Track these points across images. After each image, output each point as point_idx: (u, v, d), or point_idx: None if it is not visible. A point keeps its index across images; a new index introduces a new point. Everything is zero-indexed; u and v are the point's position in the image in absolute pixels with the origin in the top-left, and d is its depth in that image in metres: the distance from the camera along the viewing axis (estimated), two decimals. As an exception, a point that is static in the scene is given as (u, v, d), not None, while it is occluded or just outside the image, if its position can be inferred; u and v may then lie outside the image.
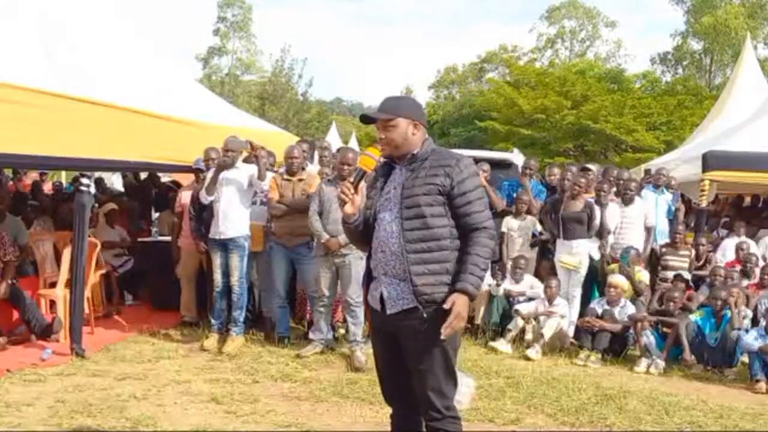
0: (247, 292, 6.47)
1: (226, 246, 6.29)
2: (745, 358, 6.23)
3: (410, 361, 3.02)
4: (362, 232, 3.16)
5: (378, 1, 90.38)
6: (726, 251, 8.48)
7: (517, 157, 9.73)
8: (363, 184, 3.10)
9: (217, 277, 6.38)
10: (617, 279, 6.88)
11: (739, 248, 8.16)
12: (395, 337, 3.06)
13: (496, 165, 8.85)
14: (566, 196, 7.20)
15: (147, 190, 10.83)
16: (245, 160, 6.53)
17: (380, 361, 3.22)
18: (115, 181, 14.49)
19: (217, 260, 6.36)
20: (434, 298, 2.92)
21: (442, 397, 3.00)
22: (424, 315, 2.92)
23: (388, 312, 3.04)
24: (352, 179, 3.11)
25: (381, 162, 3.15)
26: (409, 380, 3.06)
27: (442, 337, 2.85)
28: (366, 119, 3.11)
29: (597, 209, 7.15)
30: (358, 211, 3.10)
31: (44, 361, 5.69)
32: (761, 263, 7.87)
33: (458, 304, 2.87)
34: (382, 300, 3.06)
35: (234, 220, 6.29)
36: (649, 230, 7.85)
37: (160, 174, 11.13)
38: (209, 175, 6.41)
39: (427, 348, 2.96)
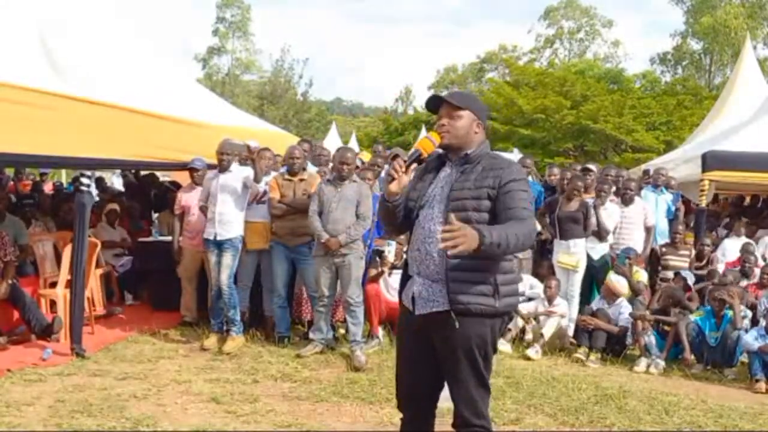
0: (238, 292, 6.46)
1: (221, 245, 6.33)
2: (745, 358, 6.23)
3: (441, 365, 2.96)
4: (400, 220, 3.04)
5: (378, 1, 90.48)
6: (726, 251, 8.48)
7: (516, 157, 9.75)
8: (415, 166, 3.00)
9: (214, 275, 6.41)
10: (614, 279, 6.89)
11: (744, 249, 8.12)
12: (423, 340, 2.97)
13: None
14: (562, 197, 7.21)
15: (147, 190, 10.83)
16: (242, 162, 6.56)
17: (400, 364, 3.13)
18: (115, 182, 14.51)
19: (212, 259, 6.39)
20: (469, 309, 2.82)
21: (471, 405, 2.90)
22: (456, 325, 2.83)
23: (416, 312, 2.96)
24: (406, 158, 3.01)
25: (437, 151, 3.04)
26: (426, 387, 3.01)
27: (440, 242, 2.65)
28: (434, 100, 3.00)
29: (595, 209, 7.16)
30: (401, 191, 2.99)
31: (44, 360, 5.69)
32: (761, 263, 7.87)
33: (469, 230, 2.61)
34: (413, 299, 2.98)
35: (229, 222, 6.32)
36: (649, 230, 7.86)
37: (158, 174, 11.14)
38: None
39: (454, 355, 2.89)
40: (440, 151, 3.06)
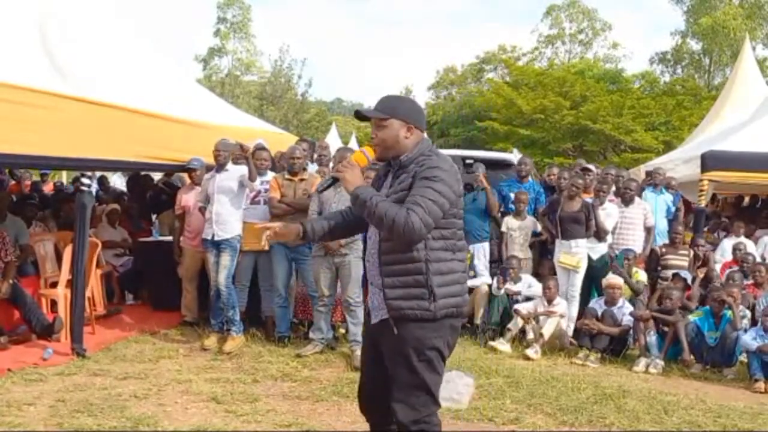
0: (237, 292, 6.47)
1: (218, 245, 6.34)
2: (744, 358, 6.24)
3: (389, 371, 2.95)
4: (341, 231, 3.35)
5: (378, 2, 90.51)
6: (725, 251, 8.49)
7: (516, 158, 9.76)
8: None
9: (213, 276, 6.42)
10: (615, 279, 6.90)
11: (736, 249, 8.17)
12: (376, 347, 2.98)
13: (496, 165, 8.88)
14: (564, 197, 7.22)
15: (145, 191, 10.82)
16: (235, 161, 6.58)
17: (362, 370, 3.18)
18: (117, 181, 14.50)
19: (211, 259, 6.43)
20: (404, 314, 2.81)
21: (409, 409, 2.83)
22: (394, 330, 2.83)
23: (372, 321, 2.99)
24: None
25: (372, 162, 3.07)
26: (384, 392, 2.94)
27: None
28: (360, 116, 3.00)
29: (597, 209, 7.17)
30: (297, 237, 3.13)
31: (45, 360, 5.70)
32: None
33: (357, 173, 2.88)
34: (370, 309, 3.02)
35: (227, 222, 6.35)
36: (649, 230, 7.87)
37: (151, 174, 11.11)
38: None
39: (392, 359, 2.87)
40: (375, 162, 3.09)
